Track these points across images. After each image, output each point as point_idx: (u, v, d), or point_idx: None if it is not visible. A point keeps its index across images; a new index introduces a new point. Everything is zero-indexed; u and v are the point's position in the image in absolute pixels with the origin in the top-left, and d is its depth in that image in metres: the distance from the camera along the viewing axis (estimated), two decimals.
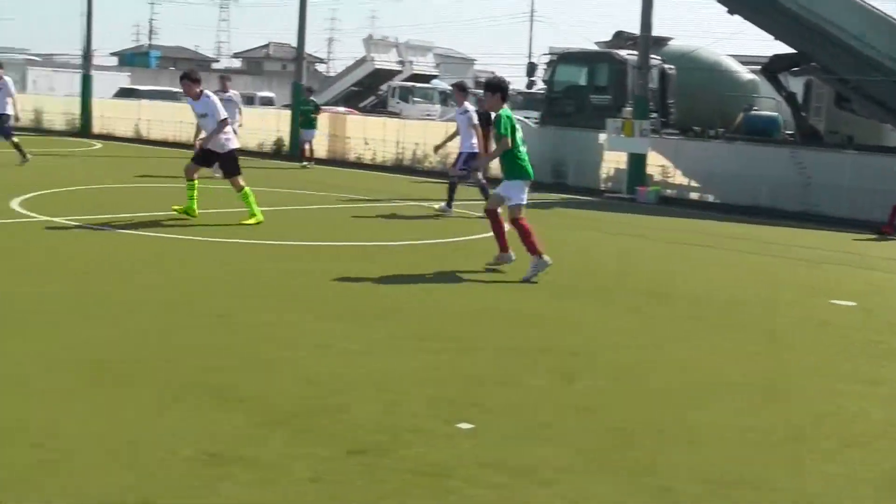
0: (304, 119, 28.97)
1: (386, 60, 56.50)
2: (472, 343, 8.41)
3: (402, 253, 13.36)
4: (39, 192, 16.62)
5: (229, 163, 15.18)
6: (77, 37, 43.01)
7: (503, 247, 12.10)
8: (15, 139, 23.29)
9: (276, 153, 32.05)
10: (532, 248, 11.57)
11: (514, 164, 11.85)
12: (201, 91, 15.01)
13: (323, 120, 32.10)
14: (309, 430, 5.97)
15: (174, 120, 33.60)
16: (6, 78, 23.77)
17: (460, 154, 17.69)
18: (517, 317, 9.61)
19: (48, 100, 44.60)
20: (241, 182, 15.04)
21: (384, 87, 55.36)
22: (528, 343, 8.54)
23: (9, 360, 7.17)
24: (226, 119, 15.00)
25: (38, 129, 40.10)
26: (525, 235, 11.62)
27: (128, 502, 4.85)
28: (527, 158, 11.94)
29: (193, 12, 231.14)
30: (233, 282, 10.71)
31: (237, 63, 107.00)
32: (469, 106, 17.71)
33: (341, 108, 43.05)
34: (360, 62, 57.50)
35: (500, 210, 12.09)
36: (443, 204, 17.78)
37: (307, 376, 7.11)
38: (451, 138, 18.63)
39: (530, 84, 34.79)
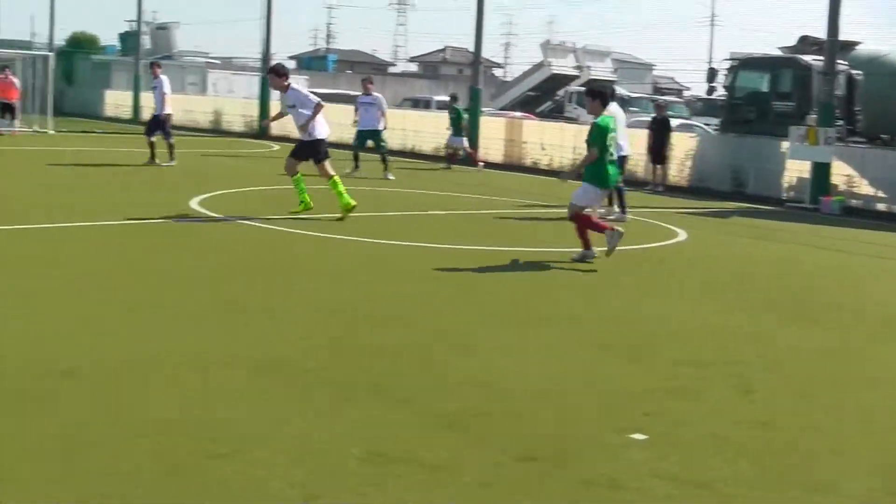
0: (452, 127, 29.24)
1: (563, 65, 56.26)
2: (647, 352, 8.25)
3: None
4: (218, 192, 17.02)
5: (309, 150, 15.54)
6: (256, 40, 44.05)
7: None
8: (153, 139, 23.55)
9: (452, 157, 32.17)
10: (586, 243, 12.40)
11: (596, 170, 12.44)
12: (288, 84, 15.55)
13: (499, 125, 32.13)
14: (480, 434, 5.91)
15: (349, 123, 33.95)
16: (162, 77, 24.14)
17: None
18: (692, 327, 9.40)
19: (227, 102, 45.71)
20: (297, 169, 15.44)
21: (561, 92, 55.18)
22: (703, 354, 8.32)
23: (190, 355, 7.31)
24: (320, 103, 15.45)
25: (216, 131, 41.23)
26: (583, 226, 12.43)
27: (295, 498, 4.87)
28: (611, 166, 12.58)
29: (371, 16, 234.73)
30: (406, 283, 10.75)
31: (413, 67, 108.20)
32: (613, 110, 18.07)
33: (517, 113, 43.04)
34: (537, 67, 57.44)
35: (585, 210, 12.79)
36: (617, 212, 17.62)
37: (481, 380, 7.06)
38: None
39: (710, 90, 34.20)
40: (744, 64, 29.84)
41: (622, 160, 17.71)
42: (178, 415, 5.96)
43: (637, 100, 51.43)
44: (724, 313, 10.10)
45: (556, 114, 49.00)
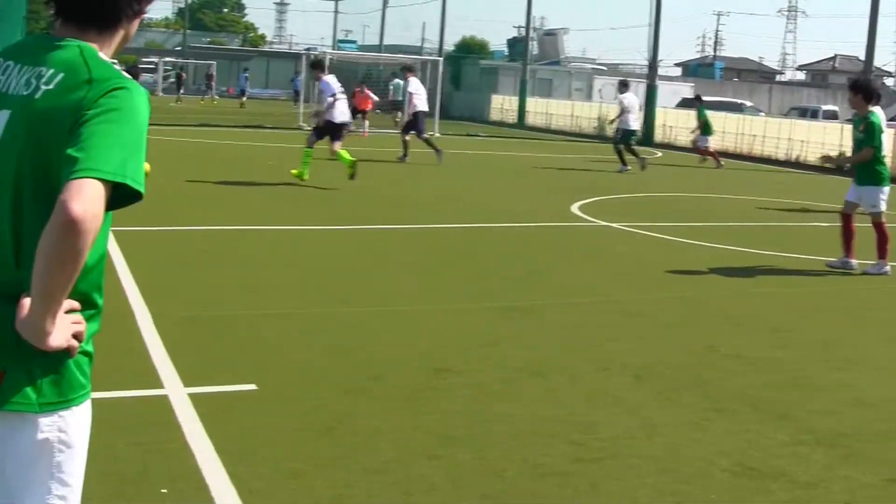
0: (701, 127, 28.72)
1: None
2: None
3: None
4: (598, 198, 17.27)
5: (329, 130, 18.15)
6: (643, 47, 44.09)
7: (847, 251, 12.16)
8: (407, 138, 24.45)
9: (840, 168, 31.10)
10: (882, 254, 12.00)
11: (871, 169, 12.12)
12: (320, 76, 18.75)
13: (887, 136, 30.89)
14: (853, 452, 5.81)
15: (736, 132, 33.55)
16: (411, 79, 25.21)
17: None
18: None
19: (613, 108, 45.98)
20: (337, 147, 17.97)
21: None
22: None
23: (564, 359, 7.53)
24: (334, 96, 18.10)
25: (601, 137, 41.58)
26: (882, 241, 12.02)
27: None
28: (886, 164, 12.24)
29: (760, 23, 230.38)
30: (788, 297, 10.58)
31: (801, 75, 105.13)
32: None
33: None
34: None
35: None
36: None
37: (859, 398, 6.92)
38: None
39: None
40: None
41: None
42: (550, 417, 6.13)
43: None
44: None
45: None
